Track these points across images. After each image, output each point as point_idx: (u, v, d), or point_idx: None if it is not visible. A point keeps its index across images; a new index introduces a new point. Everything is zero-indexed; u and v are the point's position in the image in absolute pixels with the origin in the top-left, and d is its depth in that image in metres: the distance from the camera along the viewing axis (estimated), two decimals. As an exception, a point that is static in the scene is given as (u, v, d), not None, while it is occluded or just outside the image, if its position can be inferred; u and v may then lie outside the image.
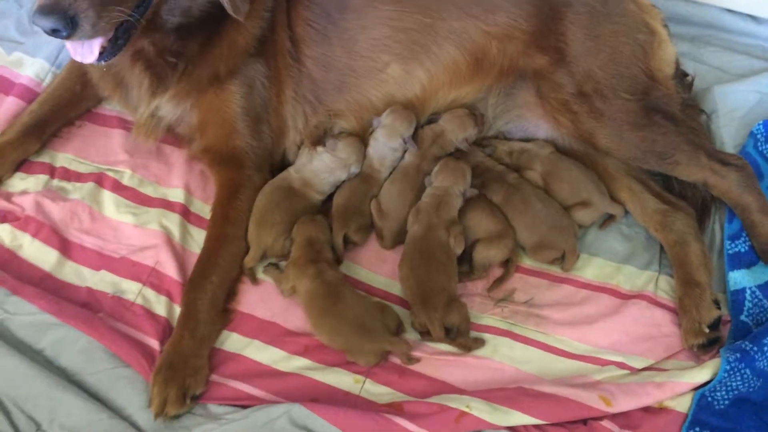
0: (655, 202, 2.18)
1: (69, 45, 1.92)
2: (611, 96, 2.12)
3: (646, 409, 1.83)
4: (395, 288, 2.12)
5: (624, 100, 2.13)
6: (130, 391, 1.85)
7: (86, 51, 1.90)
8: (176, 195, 2.28)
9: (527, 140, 2.33)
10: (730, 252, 2.10)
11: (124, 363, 1.89)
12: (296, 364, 1.94)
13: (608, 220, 2.22)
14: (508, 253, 2.12)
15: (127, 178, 2.32)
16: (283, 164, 2.33)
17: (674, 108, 2.22)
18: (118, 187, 2.30)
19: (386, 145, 2.24)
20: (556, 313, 2.02)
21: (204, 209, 2.24)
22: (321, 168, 2.22)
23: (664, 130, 2.15)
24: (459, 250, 2.09)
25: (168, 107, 2.20)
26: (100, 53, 1.91)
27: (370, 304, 1.95)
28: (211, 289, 2.00)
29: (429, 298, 1.95)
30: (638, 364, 1.93)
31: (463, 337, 1.95)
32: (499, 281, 2.12)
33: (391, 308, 1.96)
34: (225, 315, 2.03)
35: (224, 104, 2.16)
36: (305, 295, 1.99)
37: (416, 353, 1.95)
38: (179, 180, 2.32)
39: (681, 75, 2.41)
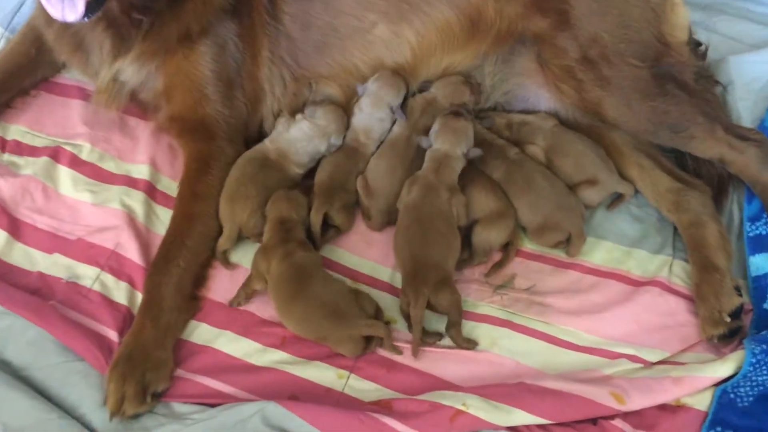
0: (667, 180, 2.05)
1: (46, 2, 1.74)
2: (619, 62, 1.98)
3: (662, 407, 1.70)
4: (383, 273, 1.97)
5: (633, 66, 1.99)
6: (84, 387, 1.70)
7: (69, 6, 1.72)
8: (140, 171, 2.12)
9: (528, 112, 2.20)
10: (750, 234, 1.97)
11: (78, 356, 1.74)
12: (272, 357, 1.80)
13: (617, 199, 2.09)
14: (509, 235, 1.96)
15: (86, 153, 2.16)
16: (260, 136, 2.16)
17: (688, 77, 2.07)
18: (76, 163, 2.13)
19: (372, 115, 2.08)
20: (560, 301, 1.90)
21: (171, 187, 2.07)
22: (298, 136, 2.05)
23: (678, 100, 2.00)
24: (462, 221, 1.92)
25: (131, 70, 2.02)
26: (86, 9, 1.74)
27: (342, 288, 1.80)
28: (177, 273, 1.84)
29: (420, 271, 1.80)
30: (652, 356, 1.80)
31: (454, 328, 1.79)
32: (498, 266, 1.96)
33: (367, 294, 1.82)
34: (193, 303, 1.88)
35: (193, 67, 1.99)
36: (271, 280, 1.83)
37: (405, 345, 1.81)
38: (144, 155, 2.15)
39: (694, 44, 2.25)
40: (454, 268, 1.87)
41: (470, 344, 1.80)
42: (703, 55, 2.30)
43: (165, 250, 1.88)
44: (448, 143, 1.98)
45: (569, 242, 1.97)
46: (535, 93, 2.15)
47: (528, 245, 2.02)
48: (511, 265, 1.98)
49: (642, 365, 1.78)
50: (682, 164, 2.14)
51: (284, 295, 1.79)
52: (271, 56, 2.09)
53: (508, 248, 1.98)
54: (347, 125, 2.11)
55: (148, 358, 1.71)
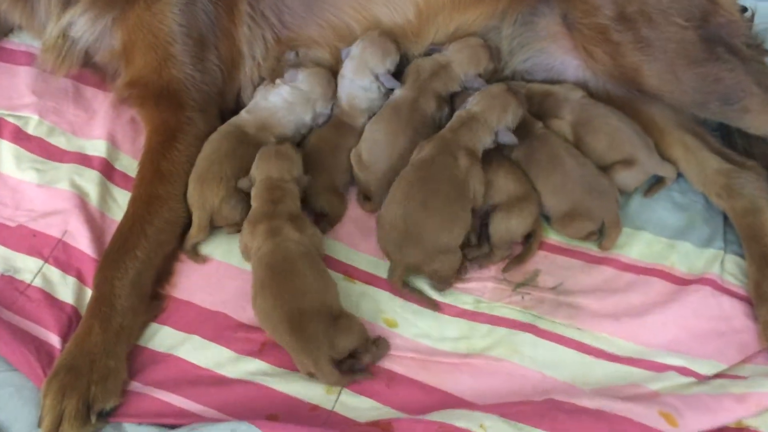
0: (716, 161, 1.87)
1: None
2: (662, 21, 1.81)
3: (722, 430, 1.51)
4: (383, 268, 1.73)
5: (678, 26, 1.81)
6: (17, 403, 1.50)
7: None
8: (96, 147, 1.90)
9: (552, 83, 1.99)
10: (816, 224, 1.77)
11: (10, 366, 1.55)
12: (248, 367, 1.59)
13: (657, 184, 1.89)
14: (532, 223, 1.74)
15: (33, 126, 1.95)
16: (237, 108, 1.92)
17: (739, 41, 1.87)
18: (20, 137, 1.93)
19: (353, 82, 1.86)
20: (593, 302, 1.71)
21: (133, 166, 1.84)
22: (278, 104, 1.82)
23: (730, 66, 1.81)
24: (479, 201, 1.71)
25: (82, 23, 1.79)
26: None
27: (324, 302, 1.54)
28: (135, 266, 1.61)
29: (412, 240, 1.62)
30: (706, 369, 1.61)
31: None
32: (519, 260, 1.75)
33: (353, 324, 1.55)
34: (153, 302, 1.66)
35: (156, 19, 1.76)
36: (253, 261, 1.59)
37: (408, 354, 1.61)
38: (101, 129, 1.93)
39: (739, 9, 2.04)
40: (456, 244, 1.66)
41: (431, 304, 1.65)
42: (750, 22, 2.09)
43: (121, 238, 1.64)
44: (483, 106, 1.76)
45: (602, 233, 1.78)
46: (561, 60, 1.97)
47: (553, 236, 1.82)
48: (534, 259, 1.78)
49: (694, 379, 1.59)
50: (730, 144, 1.95)
51: (257, 279, 1.56)
52: (251, 12, 1.87)
53: (530, 239, 1.77)
54: (335, 92, 1.89)
55: (94, 367, 1.48)
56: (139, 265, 1.61)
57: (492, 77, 1.94)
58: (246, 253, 1.65)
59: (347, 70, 1.86)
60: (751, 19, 2.10)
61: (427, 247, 1.62)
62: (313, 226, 1.66)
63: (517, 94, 1.80)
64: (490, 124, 1.74)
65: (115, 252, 1.61)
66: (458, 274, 1.68)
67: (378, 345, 1.57)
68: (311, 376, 1.52)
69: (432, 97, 1.85)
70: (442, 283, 1.67)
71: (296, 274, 1.54)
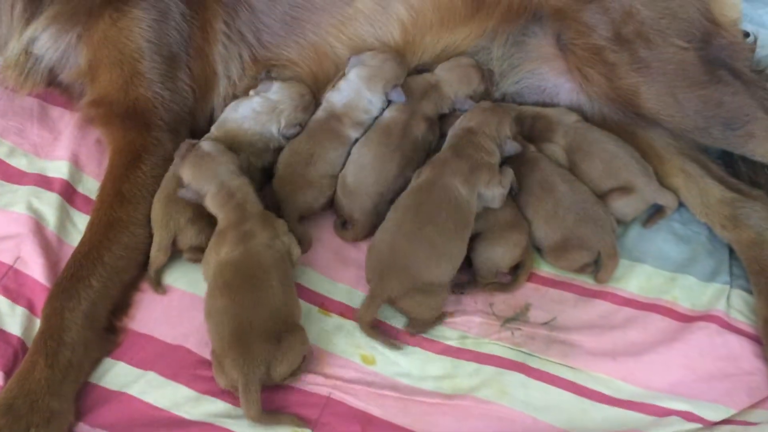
0: (720, 190, 1.80)
1: None
2: (660, 42, 1.76)
3: None
4: (361, 301, 1.61)
5: (677, 47, 1.76)
6: None
7: None
8: (58, 169, 1.80)
9: (544, 106, 1.92)
10: (827, 257, 1.68)
11: None
12: (209, 408, 1.47)
13: (656, 214, 1.81)
14: (520, 254, 1.64)
15: None
16: (209, 129, 1.81)
17: (742, 64, 1.82)
18: None
19: (360, 92, 1.76)
20: (589, 339, 1.62)
21: (97, 189, 1.71)
22: (246, 114, 1.73)
23: (733, 89, 1.75)
24: (496, 203, 1.63)
25: (46, 39, 1.70)
26: None
27: (278, 321, 1.44)
28: (89, 296, 1.50)
29: (396, 270, 1.52)
30: (713, 414, 1.53)
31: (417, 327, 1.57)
32: (503, 289, 1.66)
33: (296, 343, 1.44)
34: (109, 336, 1.54)
35: (123, 35, 1.68)
36: (214, 267, 1.50)
37: (387, 393, 1.50)
38: (65, 150, 1.83)
39: (742, 34, 1.99)
40: (444, 280, 1.55)
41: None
42: (752, 48, 2.02)
43: (75, 265, 1.53)
44: (476, 120, 1.68)
45: (598, 265, 1.70)
46: (554, 82, 1.91)
47: (546, 268, 1.74)
48: (525, 292, 1.69)
49: (700, 425, 1.52)
50: (733, 171, 1.88)
51: (219, 280, 1.47)
52: (227, 30, 1.79)
53: (519, 270, 1.67)
54: (311, 107, 1.79)
55: (35, 408, 1.36)
56: (93, 294, 1.49)
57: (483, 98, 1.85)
58: (207, 271, 1.53)
59: (356, 76, 1.77)
60: (754, 43, 2.03)
61: (412, 280, 1.51)
62: (283, 225, 1.56)
63: (506, 107, 1.74)
64: (492, 135, 1.66)
65: (68, 280, 1.50)
66: (438, 319, 1.58)
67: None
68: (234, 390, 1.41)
69: (422, 119, 1.76)
70: (419, 327, 1.55)
71: (263, 285, 1.45)
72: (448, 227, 1.54)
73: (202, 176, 1.55)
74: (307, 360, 1.47)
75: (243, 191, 1.55)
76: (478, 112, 1.69)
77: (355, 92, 1.76)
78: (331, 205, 1.72)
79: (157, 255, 1.58)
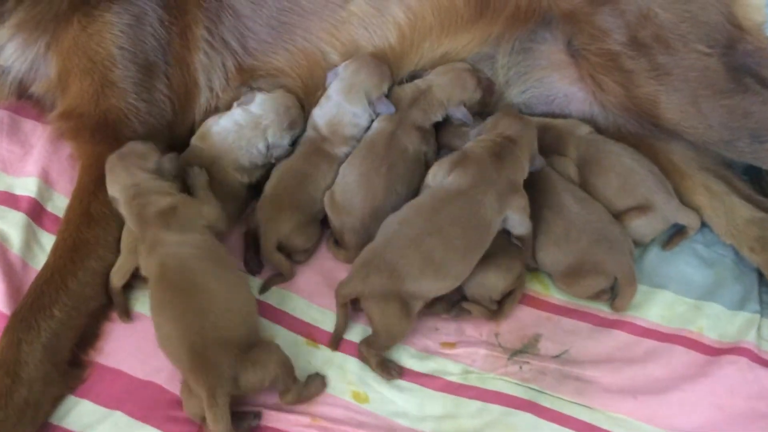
0: (747, 209, 1.68)
1: None
2: (681, 47, 1.64)
3: None
4: (353, 330, 1.51)
5: (700, 53, 1.64)
6: None
7: None
8: (26, 186, 1.70)
9: (553, 117, 1.80)
10: None
11: None
12: None
13: (677, 234, 1.69)
14: (513, 281, 1.52)
15: None
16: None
17: None
18: None
19: (341, 105, 1.65)
20: (605, 374, 1.51)
21: None
22: (228, 126, 1.62)
23: (761, 98, 1.62)
24: (521, 231, 1.52)
25: (12, 50, 1.61)
26: None
27: (234, 322, 1.33)
28: (50, 327, 1.39)
29: (382, 266, 1.41)
30: None
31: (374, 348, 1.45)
32: (492, 317, 1.53)
33: (269, 356, 1.33)
34: (73, 371, 1.42)
35: (94, 42, 1.57)
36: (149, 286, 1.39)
37: None
38: (35, 165, 1.73)
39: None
40: (425, 297, 1.45)
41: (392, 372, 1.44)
42: None
43: (35, 292, 1.42)
44: (513, 130, 1.56)
45: (614, 291, 1.58)
46: (565, 91, 1.80)
47: (557, 295, 1.61)
48: (533, 321, 1.57)
49: None
50: (761, 188, 1.77)
51: (154, 299, 1.36)
52: (208, 37, 1.67)
53: (507, 298, 1.54)
54: (299, 121, 1.68)
55: None
56: (55, 325, 1.38)
57: (481, 111, 1.74)
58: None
59: (334, 91, 1.66)
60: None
61: (394, 284, 1.38)
62: (196, 204, 1.44)
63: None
64: (529, 152, 1.55)
65: (27, 309, 1.38)
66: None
67: (310, 383, 1.39)
68: (202, 421, 1.28)
69: (412, 129, 1.64)
70: (375, 346, 1.42)
71: (198, 291, 1.34)
72: (456, 245, 1.42)
73: (110, 182, 1.44)
74: (288, 373, 1.35)
75: (143, 194, 1.42)
76: (516, 121, 1.58)
77: (337, 107, 1.65)
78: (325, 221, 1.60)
79: (116, 276, 1.46)
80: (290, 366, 1.35)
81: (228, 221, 1.53)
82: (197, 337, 1.29)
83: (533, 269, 1.59)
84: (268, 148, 1.61)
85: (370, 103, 1.65)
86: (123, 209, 1.43)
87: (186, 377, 1.30)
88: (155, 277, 1.35)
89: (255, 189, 1.65)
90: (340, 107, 1.64)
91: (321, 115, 1.66)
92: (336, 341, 1.45)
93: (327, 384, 1.41)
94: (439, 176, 1.51)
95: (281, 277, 1.54)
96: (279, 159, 1.62)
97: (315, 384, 1.40)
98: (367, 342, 1.43)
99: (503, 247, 1.53)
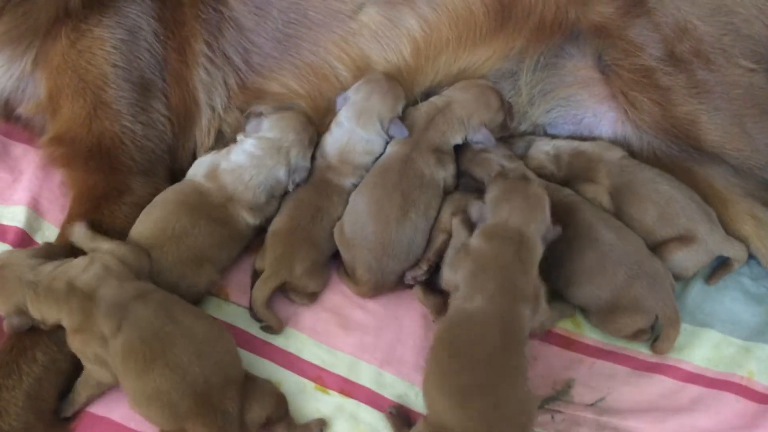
0: None
1: None
2: (723, 62, 1.57)
3: None
4: (365, 374, 1.42)
5: (744, 69, 1.57)
6: None
7: None
8: (14, 215, 1.61)
9: (582, 139, 1.70)
10: None
11: None
12: None
13: (721, 268, 1.58)
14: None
15: None
16: None
17: None
18: None
19: (354, 132, 1.55)
20: (647, 425, 1.40)
21: None
22: (242, 162, 1.50)
23: None
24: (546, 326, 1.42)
25: None
26: None
27: (223, 361, 1.27)
28: (32, 372, 1.30)
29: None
30: None
31: None
32: None
33: (263, 386, 1.31)
34: (58, 420, 1.33)
35: (84, 59, 1.49)
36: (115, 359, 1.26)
37: None
38: (25, 192, 1.64)
39: None
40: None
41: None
42: None
43: (17, 336, 1.32)
44: (518, 217, 1.38)
45: (655, 331, 1.48)
46: (594, 111, 1.71)
47: (591, 335, 1.51)
48: (565, 364, 1.47)
49: None
50: None
51: (136, 363, 1.25)
52: (209, 52, 1.59)
53: None
54: (313, 138, 1.58)
55: None
56: (38, 370, 1.29)
57: (503, 137, 1.65)
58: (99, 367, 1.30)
59: (345, 117, 1.57)
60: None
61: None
62: (108, 254, 1.33)
63: (539, 182, 1.48)
64: (537, 235, 1.37)
65: (7, 353, 1.29)
66: None
67: (310, 424, 1.32)
68: None
69: (429, 152, 1.54)
70: None
71: (180, 334, 1.25)
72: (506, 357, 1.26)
73: (6, 299, 1.31)
74: (280, 403, 1.31)
75: (58, 277, 1.29)
76: (517, 199, 1.40)
77: (348, 134, 1.55)
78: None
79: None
80: (282, 396, 1.32)
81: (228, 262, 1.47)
82: (200, 378, 1.21)
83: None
84: (289, 174, 1.51)
85: (384, 128, 1.55)
86: (37, 310, 1.29)
87: (187, 424, 1.20)
88: (134, 341, 1.24)
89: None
90: (352, 134, 1.55)
91: (331, 142, 1.56)
92: None
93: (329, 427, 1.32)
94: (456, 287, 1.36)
95: (271, 328, 1.44)
96: (301, 183, 1.52)
97: (314, 424, 1.31)
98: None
99: None
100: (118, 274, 1.30)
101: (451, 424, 1.20)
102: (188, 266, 1.41)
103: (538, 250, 1.36)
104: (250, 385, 1.27)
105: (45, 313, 1.28)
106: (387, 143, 1.58)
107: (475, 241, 1.36)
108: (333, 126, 1.58)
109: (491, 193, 1.42)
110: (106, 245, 1.35)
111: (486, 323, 1.28)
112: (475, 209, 1.42)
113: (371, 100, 1.56)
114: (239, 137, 1.54)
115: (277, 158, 1.50)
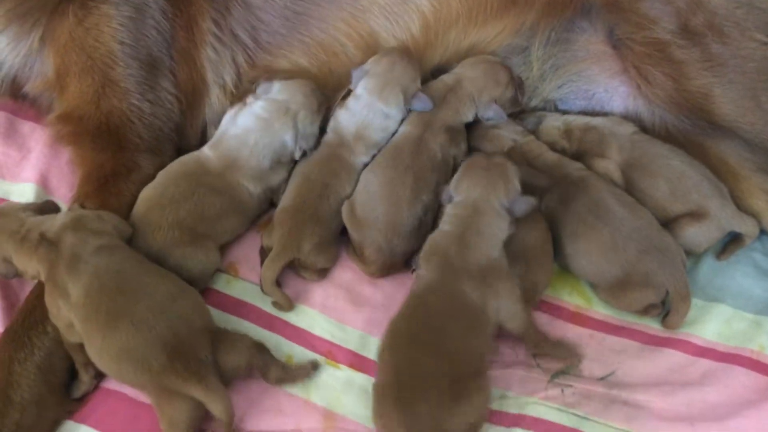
0: None
1: None
2: (737, 35, 1.56)
3: None
4: (372, 349, 1.40)
5: (759, 42, 1.56)
6: None
7: None
8: (23, 193, 1.64)
9: (593, 114, 1.70)
10: None
11: None
12: None
13: (732, 243, 1.57)
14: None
15: None
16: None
17: None
18: None
19: (373, 107, 1.54)
20: (657, 399, 1.39)
21: None
22: (249, 125, 1.51)
23: None
24: (515, 324, 1.35)
25: (4, 43, 1.53)
26: None
27: (200, 313, 1.29)
28: (43, 345, 1.32)
29: (409, 392, 1.22)
30: None
31: None
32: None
33: (234, 338, 1.31)
34: (70, 394, 1.34)
35: (91, 37, 1.49)
36: (75, 315, 1.27)
37: None
38: (33, 171, 1.66)
39: None
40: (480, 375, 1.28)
41: None
42: None
43: (28, 308, 1.35)
44: (476, 190, 1.40)
45: (666, 306, 1.47)
46: (605, 85, 1.70)
47: (601, 310, 1.50)
48: (575, 339, 1.45)
49: None
50: None
51: (99, 318, 1.25)
52: (217, 30, 1.59)
53: None
54: (325, 104, 1.58)
55: None
56: (49, 343, 1.31)
57: (513, 112, 1.65)
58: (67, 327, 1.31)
59: (365, 90, 1.55)
60: None
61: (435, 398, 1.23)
62: (93, 213, 1.36)
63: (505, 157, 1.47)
64: (498, 206, 1.38)
65: (19, 325, 1.31)
66: None
67: (301, 366, 1.36)
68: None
69: (441, 131, 1.53)
70: None
71: (144, 286, 1.27)
72: (460, 331, 1.27)
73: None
74: (262, 351, 1.32)
75: (33, 228, 1.32)
76: (476, 174, 1.41)
77: (368, 109, 1.54)
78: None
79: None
80: (262, 345, 1.32)
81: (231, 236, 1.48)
82: (168, 332, 1.23)
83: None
84: (296, 139, 1.51)
85: (406, 102, 1.54)
86: (19, 260, 1.32)
87: (163, 379, 1.21)
88: (93, 293, 1.25)
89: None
90: (372, 108, 1.54)
91: (348, 118, 1.54)
92: None
93: (318, 367, 1.36)
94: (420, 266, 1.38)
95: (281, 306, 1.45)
96: (308, 151, 1.51)
97: (306, 367, 1.35)
98: None
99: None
100: (93, 228, 1.31)
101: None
102: (188, 233, 1.41)
103: (500, 223, 1.37)
104: (223, 336, 1.28)
105: (24, 263, 1.30)
106: (403, 120, 1.56)
107: (441, 224, 1.40)
108: (350, 101, 1.57)
109: (455, 175, 1.44)
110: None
111: (424, 293, 1.32)
112: (444, 193, 1.44)
113: (394, 72, 1.55)
114: (249, 99, 1.54)
115: (284, 120, 1.50)
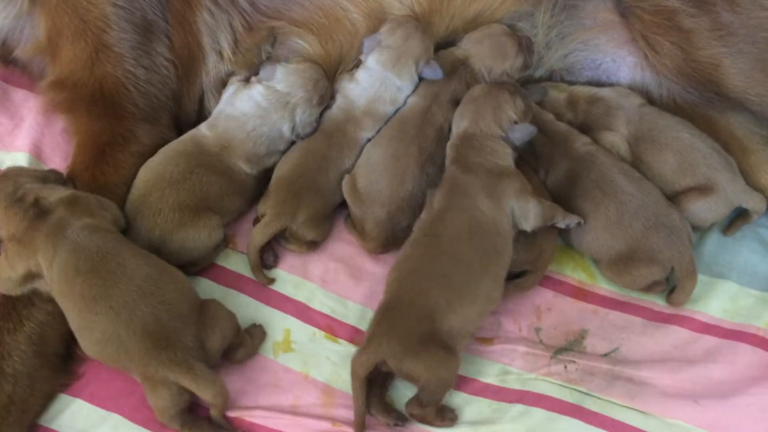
0: None
1: None
2: (748, 4, 1.57)
3: None
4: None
5: None
6: None
7: None
8: (15, 161, 1.63)
9: (599, 85, 1.70)
10: None
11: None
12: None
13: (739, 218, 1.59)
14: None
15: None
16: (200, 119, 1.62)
17: None
18: None
19: (386, 79, 1.54)
20: (661, 375, 1.42)
21: None
22: (248, 111, 1.51)
23: None
24: (533, 221, 1.38)
25: None
26: None
27: (178, 295, 1.28)
28: (35, 317, 1.33)
29: (395, 311, 1.28)
30: None
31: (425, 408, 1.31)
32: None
33: (219, 313, 1.31)
34: (64, 366, 1.36)
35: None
36: (51, 284, 1.28)
37: None
38: (26, 139, 1.65)
39: None
40: (465, 331, 1.31)
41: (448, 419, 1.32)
42: None
43: None
44: (469, 118, 1.45)
45: (670, 283, 1.50)
46: (613, 55, 1.70)
47: (605, 285, 1.53)
48: (579, 315, 1.49)
49: None
50: None
51: (78, 299, 1.26)
52: None
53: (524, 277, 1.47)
54: (328, 95, 1.57)
55: None
56: (41, 315, 1.31)
57: (524, 76, 1.64)
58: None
59: (376, 62, 1.55)
60: None
61: (424, 327, 1.26)
62: (95, 197, 1.35)
63: (507, 86, 1.49)
64: (497, 131, 1.42)
65: (5, 296, 1.32)
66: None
67: (253, 334, 1.37)
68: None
69: (448, 104, 1.54)
70: (427, 399, 1.28)
71: (128, 270, 1.26)
72: (469, 259, 1.31)
73: None
74: (235, 326, 1.33)
75: (29, 192, 1.31)
76: (469, 107, 1.46)
77: (380, 82, 1.54)
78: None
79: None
80: (234, 318, 1.33)
81: (234, 215, 1.48)
82: (150, 318, 1.23)
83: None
84: (293, 129, 1.50)
85: (417, 70, 1.54)
86: (9, 222, 1.30)
87: (148, 368, 1.22)
88: (72, 271, 1.25)
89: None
90: (384, 80, 1.54)
91: (359, 92, 1.54)
92: (360, 427, 1.27)
93: (264, 332, 1.38)
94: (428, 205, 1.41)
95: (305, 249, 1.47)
96: (305, 138, 1.51)
97: (258, 334, 1.37)
98: (417, 402, 1.28)
99: None
100: (89, 208, 1.31)
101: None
102: (189, 213, 1.40)
103: (494, 144, 1.41)
104: (204, 313, 1.28)
105: (2, 221, 1.30)
106: (410, 94, 1.56)
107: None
108: (360, 73, 1.56)
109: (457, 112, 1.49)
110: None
111: (443, 219, 1.36)
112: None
113: (409, 43, 1.55)
114: (252, 80, 1.53)
115: (282, 113, 1.51)
